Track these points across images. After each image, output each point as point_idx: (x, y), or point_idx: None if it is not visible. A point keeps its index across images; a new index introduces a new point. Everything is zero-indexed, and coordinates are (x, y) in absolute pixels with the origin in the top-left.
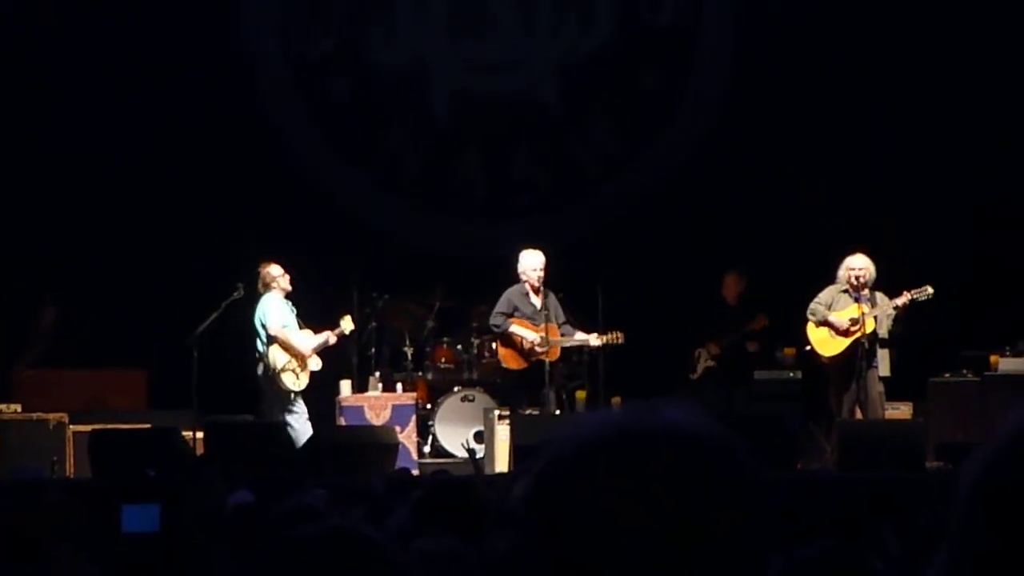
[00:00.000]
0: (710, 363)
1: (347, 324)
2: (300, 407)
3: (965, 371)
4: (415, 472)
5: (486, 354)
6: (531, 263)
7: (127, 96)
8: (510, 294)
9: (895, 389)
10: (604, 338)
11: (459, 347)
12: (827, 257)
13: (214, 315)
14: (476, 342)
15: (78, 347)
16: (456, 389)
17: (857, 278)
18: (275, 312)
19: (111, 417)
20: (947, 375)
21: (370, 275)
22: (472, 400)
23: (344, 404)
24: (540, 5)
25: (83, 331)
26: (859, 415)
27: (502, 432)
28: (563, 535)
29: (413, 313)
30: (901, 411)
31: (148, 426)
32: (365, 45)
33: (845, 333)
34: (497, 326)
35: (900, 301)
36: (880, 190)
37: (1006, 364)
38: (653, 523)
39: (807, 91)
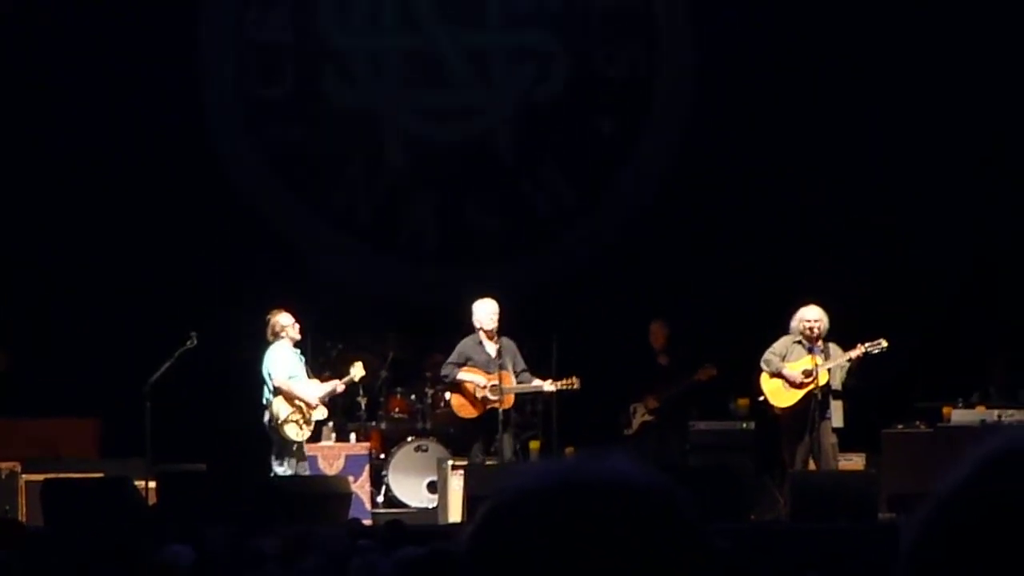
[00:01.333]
0: (647, 417)
1: (357, 371)
2: (293, 463)
3: (918, 422)
4: (368, 522)
5: (440, 404)
6: (484, 311)
7: (78, 142)
8: (463, 344)
9: (848, 440)
10: (559, 384)
11: (413, 397)
12: (778, 307)
13: (167, 364)
14: (430, 392)
15: (30, 395)
16: (409, 439)
17: (811, 329)
18: (281, 363)
19: (64, 466)
20: (900, 426)
21: (324, 323)
22: (426, 450)
23: None
24: (494, 54)
25: (35, 379)
26: (812, 466)
27: (455, 482)
28: None
29: (367, 362)
30: (854, 462)
31: (101, 475)
32: (319, 91)
33: (799, 385)
34: (446, 376)
35: (854, 353)
36: (833, 241)
37: (959, 415)
38: (592, 574)
39: (762, 141)
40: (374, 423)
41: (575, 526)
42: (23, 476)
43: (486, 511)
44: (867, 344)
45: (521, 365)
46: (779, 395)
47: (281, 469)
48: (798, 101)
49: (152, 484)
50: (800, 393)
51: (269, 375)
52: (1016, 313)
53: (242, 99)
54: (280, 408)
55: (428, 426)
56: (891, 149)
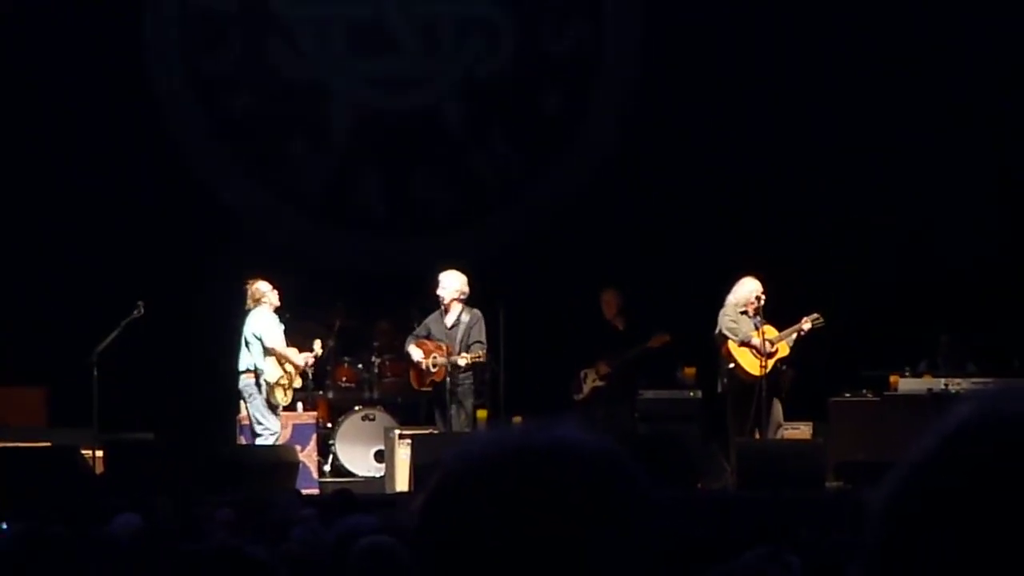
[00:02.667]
0: (598, 383)
1: (318, 347)
2: (276, 425)
3: (865, 391)
4: (315, 491)
5: (387, 374)
6: (441, 283)
7: (25, 112)
8: (431, 315)
9: (795, 408)
10: (468, 357)
11: (360, 366)
12: (721, 278)
13: (114, 334)
14: (377, 361)
15: None
16: (357, 408)
17: (760, 300)
18: (272, 327)
19: (11, 435)
20: (847, 395)
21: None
22: (373, 419)
23: (244, 423)
24: (441, 25)
25: None
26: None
27: (403, 451)
28: (453, 552)
29: (314, 332)
30: (801, 430)
31: (48, 444)
32: (266, 61)
33: (766, 355)
34: (404, 346)
35: (806, 326)
36: (779, 211)
37: (906, 384)
38: (543, 541)
39: (707, 116)
40: (321, 392)
41: (526, 494)
42: None
43: (437, 481)
44: (812, 320)
45: (474, 338)
46: (752, 363)
47: (267, 437)
48: (743, 75)
49: (100, 453)
50: (769, 363)
51: (259, 337)
52: (962, 284)
53: (188, 69)
54: (272, 371)
55: (375, 395)
56: (835, 122)
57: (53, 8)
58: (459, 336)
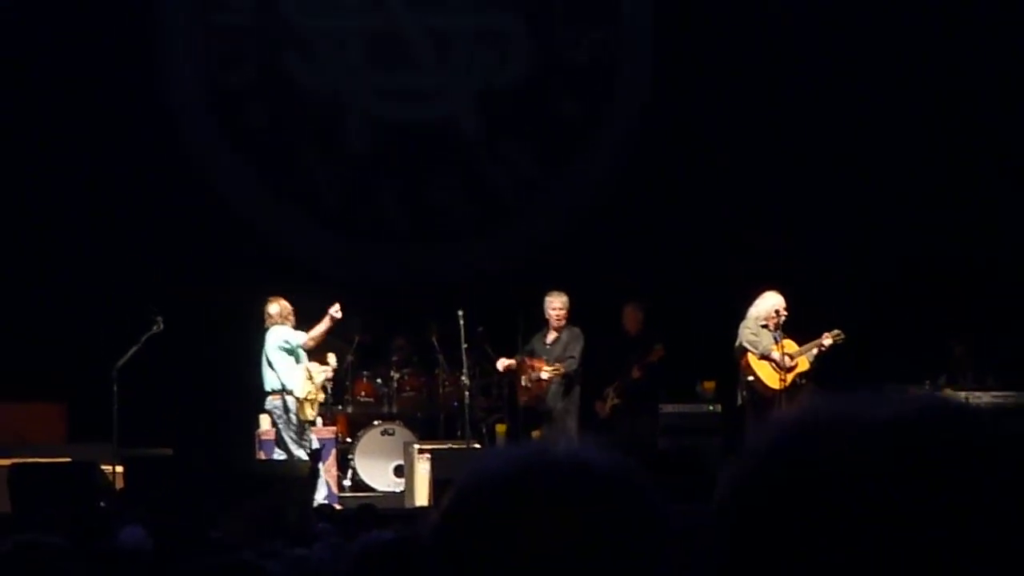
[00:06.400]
0: (616, 400)
1: (333, 361)
2: (314, 442)
3: None
4: (337, 506)
5: (407, 388)
6: (546, 303)
7: (44, 129)
8: (536, 335)
9: None
10: (548, 370)
11: (379, 380)
12: (738, 292)
13: (134, 349)
14: (396, 376)
15: None
16: (376, 423)
17: (780, 314)
18: (294, 333)
19: (31, 451)
20: None
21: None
22: (392, 434)
23: (263, 438)
24: (457, 36)
25: (1, 364)
26: None
27: (422, 466)
28: (467, 568)
29: (333, 346)
30: None
31: (68, 460)
32: (282, 74)
33: (786, 369)
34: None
35: (827, 342)
36: (792, 228)
37: None
38: (554, 557)
39: (722, 128)
40: (340, 407)
41: (537, 510)
42: None
43: (451, 497)
44: (832, 334)
45: (567, 354)
46: (772, 377)
47: (300, 451)
48: (758, 88)
49: (120, 469)
50: (789, 376)
51: (286, 348)
52: (979, 297)
53: (204, 82)
54: (301, 386)
55: (394, 410)
56: (849, 138)
57: (68, 23)
58: (556, 352)
